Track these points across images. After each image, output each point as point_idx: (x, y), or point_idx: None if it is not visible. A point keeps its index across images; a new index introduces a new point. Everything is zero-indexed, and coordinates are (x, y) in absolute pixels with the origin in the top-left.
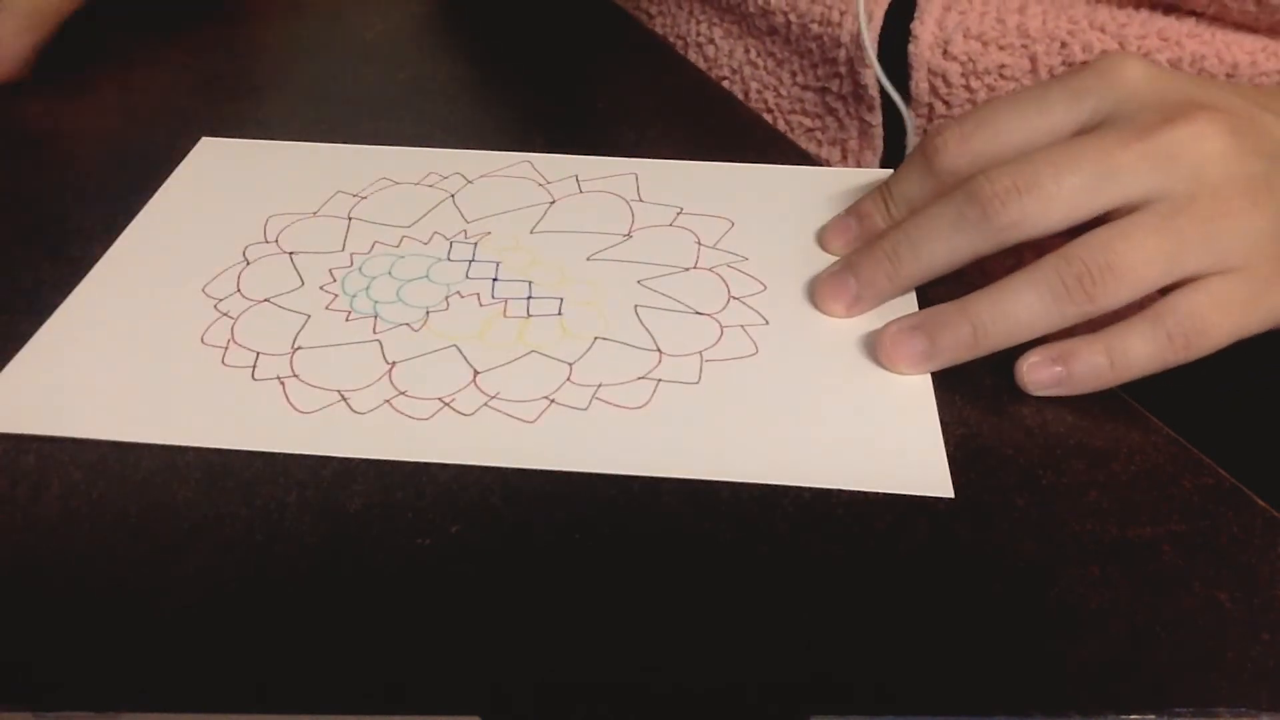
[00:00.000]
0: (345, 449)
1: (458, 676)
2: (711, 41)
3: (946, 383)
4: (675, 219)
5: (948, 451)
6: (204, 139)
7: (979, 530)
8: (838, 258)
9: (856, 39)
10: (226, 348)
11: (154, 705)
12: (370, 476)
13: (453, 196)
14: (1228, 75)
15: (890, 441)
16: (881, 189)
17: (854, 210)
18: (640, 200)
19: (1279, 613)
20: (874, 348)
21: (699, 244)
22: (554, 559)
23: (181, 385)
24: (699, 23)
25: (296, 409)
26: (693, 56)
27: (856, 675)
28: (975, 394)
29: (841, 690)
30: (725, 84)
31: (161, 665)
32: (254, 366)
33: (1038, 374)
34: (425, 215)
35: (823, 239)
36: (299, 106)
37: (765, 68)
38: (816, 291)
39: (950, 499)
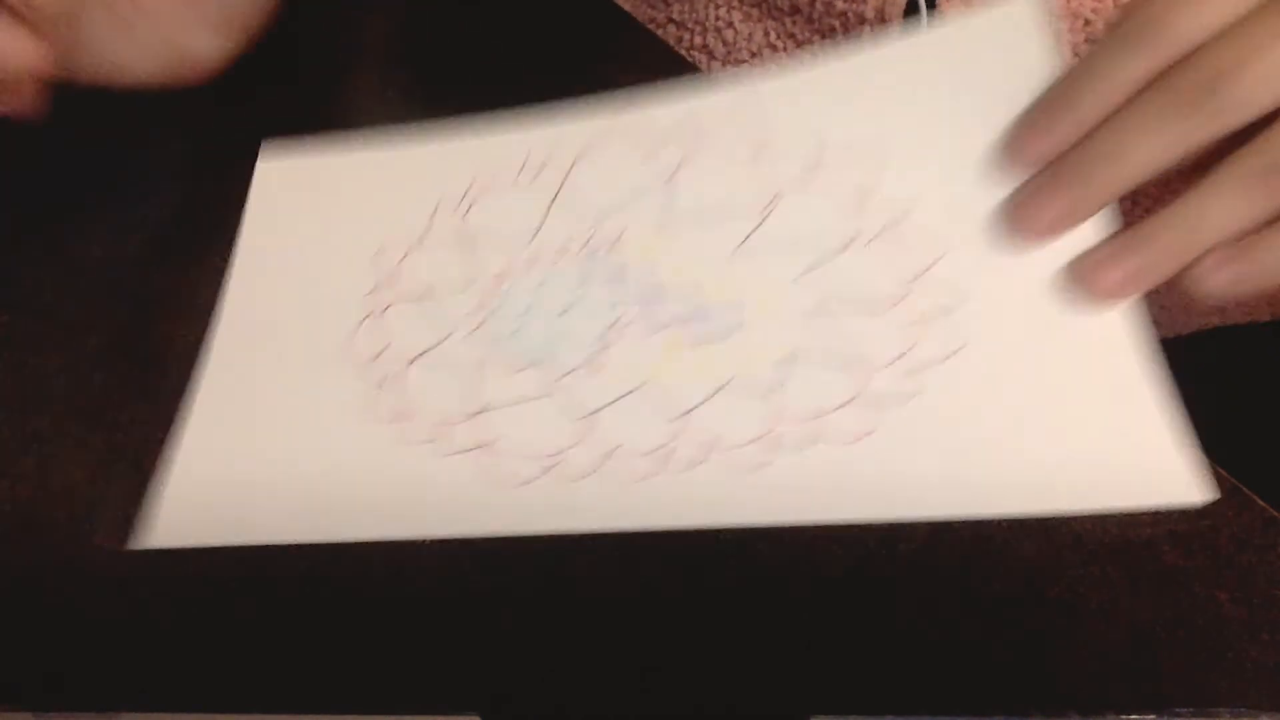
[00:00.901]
0: (568, 524)
1: (457, 676)
2: (730, 25)
3: None
4: (816, 169)
5: None
6: (263, 148)
7: (979, 530)
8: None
9: (881, 14)
10: (401, 423)
11: (154, 705)
12: None
13: (559, 192)
14: None
15: (1122, 441)
16: (1073, 77)
17: (1043, 108)
18: (768, 147)
19: (1279, 613)
20: (1074, 282)
21: (852, 203)
22: (554, 558)
23: (372, 468)
24: (718, 7)
25: (506, 483)
26: (711, 41)
27: (856, 676)
28: None
29: (841, 690)
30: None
31: (161, 665)
32: (437, 440)
33: (1220, 273)
34: (542, 226)
35: (1011, 151)
36: (301, 98)
37: (786, 50)
38: (1013, 214)
39: None
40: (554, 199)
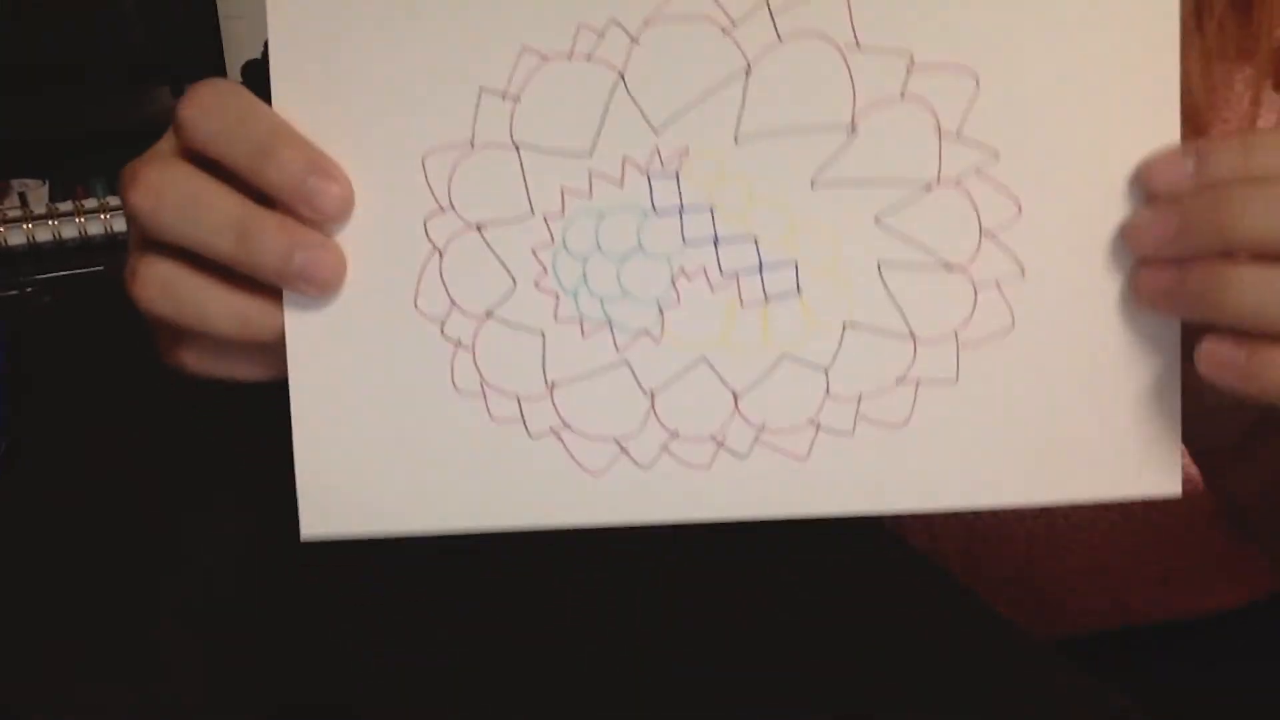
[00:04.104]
0: (645, 514)
1: None
2: None
3: None
4: (906, 82)
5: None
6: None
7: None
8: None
9: None
10: (485, 396)
11: None
12: None
13: (623, 77)
14: None
15: (1122, 432)
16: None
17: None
18: (858, 46)
19: None
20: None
21: (938, 130)
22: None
23: (463, 456)
24: None
25: (585, 469)
26: None
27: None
28: None
29: None
30: None
31: None
32: (523, 419)
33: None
34: (603, 125)
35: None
36: None
37: None
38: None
39: None
40: (618, 84)
